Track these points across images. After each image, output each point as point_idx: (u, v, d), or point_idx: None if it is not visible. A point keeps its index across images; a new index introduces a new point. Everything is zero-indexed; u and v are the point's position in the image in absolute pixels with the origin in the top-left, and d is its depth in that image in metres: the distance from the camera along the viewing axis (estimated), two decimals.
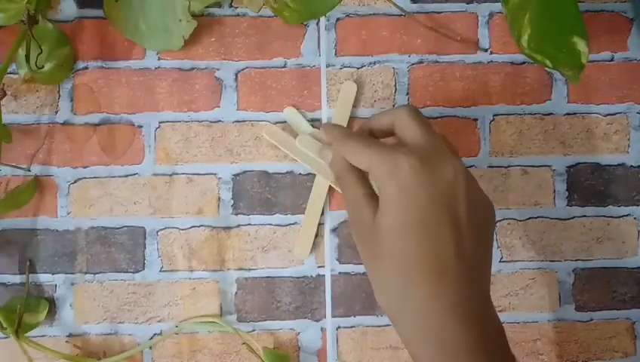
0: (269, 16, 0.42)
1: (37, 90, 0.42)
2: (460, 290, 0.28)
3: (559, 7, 0.35)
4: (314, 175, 0.42)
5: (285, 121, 0.42)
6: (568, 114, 0.43)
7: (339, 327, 0.41)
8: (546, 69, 0.39)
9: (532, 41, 0.36)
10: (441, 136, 0.32)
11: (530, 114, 0.43)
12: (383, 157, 0.30)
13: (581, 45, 0.34)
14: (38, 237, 0.41)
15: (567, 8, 0.34)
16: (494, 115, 0.42)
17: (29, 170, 0.41)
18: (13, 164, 0.41)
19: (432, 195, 0.29)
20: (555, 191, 0.42)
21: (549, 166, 0.42)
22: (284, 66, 0.42)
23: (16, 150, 0.41)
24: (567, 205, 0.42)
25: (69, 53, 0.41)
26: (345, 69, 0.42)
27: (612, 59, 0.43)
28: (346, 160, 0.33)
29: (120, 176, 0.42)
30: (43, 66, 0.40)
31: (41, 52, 0.40)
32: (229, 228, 0.42)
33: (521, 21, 0.36)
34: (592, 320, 0.42)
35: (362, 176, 0.33)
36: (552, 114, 0.43)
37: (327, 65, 0.42)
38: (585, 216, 0.42)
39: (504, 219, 0.42)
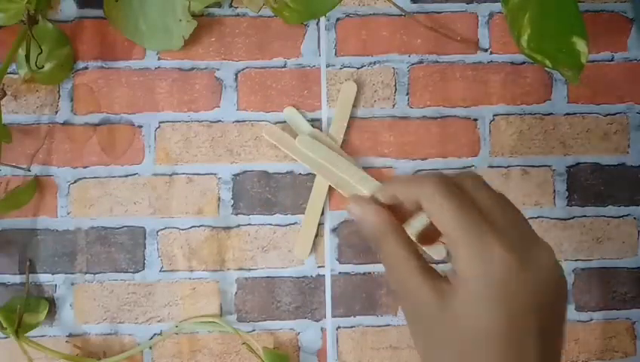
0: (269, 16, 0.42)
1: (37, 90, 0.42)
2: None
3: (559, 7, 0.35)
4: (314, 175, 0.42)
5: (285, 121, 0.42)
6: (568, 114, 0.43)
7: (339, 327, 0.41)
8: (546, 69, 0.39)
9: (532, 41, 0.36)
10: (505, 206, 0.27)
11: (530, 114, 0.43)
12: (473, 239, 0.24)
13: (581, 45, 0.34)
14: (39, 237, 0.41)
15: (567, 8, 0.34)
16: (494, 115, 0.42)
17: (29, 170, 0.41)
18: (14, 164, 0.41)
19: (524, 300, 0.24)
20: (555, 191, 0.42)
21: (549, 166, 0.42)
22: (284, 66, 0.42)
23: (17, 150, 0.41)
24: (567, 205, 0.42)
25: (69, 53, 0.41)
26: (345, 68, 0.42)
27: (612, 59, 0.43)
28: (390, 217, 0.28)
29: (120, 176, 0.42)
30: (43, 66, 0.40)
31: (41, 52, 0.40)
32: (229, 228, 0.42)
33: (521, 21, 0.36)
34: (592, 320, 0.42)
35: (409, 239, 0.27)
36: (552, 114, 0.43)
37: (327, 66, 0.42)
38: (585, 216, 0.42)
39: None
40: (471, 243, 0.24)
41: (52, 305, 0.41)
